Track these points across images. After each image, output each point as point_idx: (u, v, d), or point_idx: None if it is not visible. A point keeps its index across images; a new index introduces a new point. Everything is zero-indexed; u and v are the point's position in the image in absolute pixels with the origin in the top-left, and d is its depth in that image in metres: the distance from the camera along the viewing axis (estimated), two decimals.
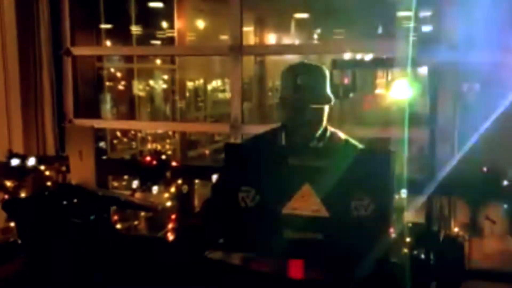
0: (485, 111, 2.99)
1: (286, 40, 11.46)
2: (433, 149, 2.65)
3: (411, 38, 3.58)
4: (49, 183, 3.79)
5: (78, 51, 4.29)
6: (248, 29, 10.08)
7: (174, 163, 3.67)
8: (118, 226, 3.79)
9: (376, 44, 4.14)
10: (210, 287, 1.64)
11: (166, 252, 1.77)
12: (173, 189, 3.63)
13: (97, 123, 4.61)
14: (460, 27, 3.15)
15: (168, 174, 3.61)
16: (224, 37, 6.21)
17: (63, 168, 3.77)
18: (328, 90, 2.17)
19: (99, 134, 6.41)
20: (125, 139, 7.97)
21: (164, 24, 8.83)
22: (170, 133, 8.77)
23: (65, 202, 1.94)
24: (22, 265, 2.06)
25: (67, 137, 2.23)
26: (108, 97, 7.84)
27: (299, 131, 2.16)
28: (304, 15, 11.55)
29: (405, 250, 2.97)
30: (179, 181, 3.64)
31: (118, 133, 7.70)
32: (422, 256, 2.44)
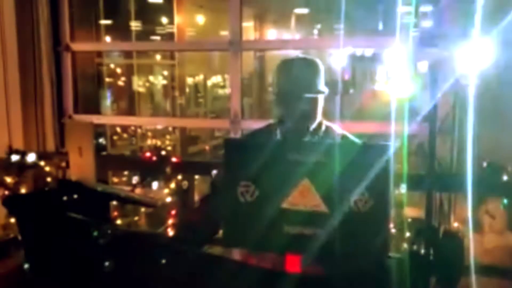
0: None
1: (286, 36, 11.45)
2: (433, 144, 2.64)
3: (411, 34, 3.57)
4: (49, 179, 3.80)
5: (77, 46, 4.28)
6: (248, 24, 10.07)
7: (174, 159, 3.67)
8: (118, 221, 3.80)
9: (377, 39, 4.13)
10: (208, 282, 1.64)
11: (165, 248, 1.78)
12: (173, 185, 3.63)
13: (97, 119, 4.61)
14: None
15: (168, 169, 3.61)
16: (224, 32, 6.20)
17: (63, 164, 3.77)
18: (322, 83, 2.18)
19: (99, 130, 6.42)
20: (125, 135, 7.98)
21: (164, 20, 8.83)
22: (170, 129, 8.77)
23: (65, 198, 1.94)
24: (22, 261, 2.06)
25: (67, 133, 2.23)
26: (108, 93, 7.85)
27: (293, 124, 2.16)
28: (304, 10, 11.53)
29: (405, 246, 2.98)
30: (179, 177, 3.64)
31: (118, 129, 7.71)
32: (422, 251, 2.44)
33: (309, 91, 2.12)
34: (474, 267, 3.10)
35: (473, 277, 3.18)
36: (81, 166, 1.93)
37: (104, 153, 5.46)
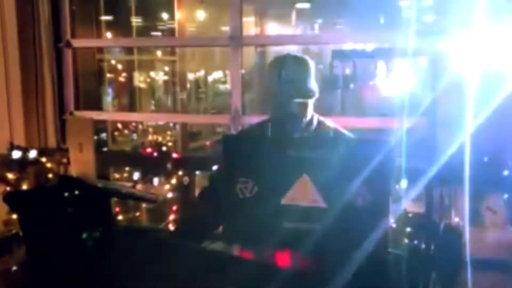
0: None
1: (287, 31, 11.42)
2: (433, 139, 2.65)
3: (412, 28, 3.56)
4: (50, 176, 3.81)
5: (78, 43, 4.28)
6: (249, 19, 10.05)
7: (175, 155, 3.68)
8: (120, 217, 3.81)
9: (378, 34, 4.12)
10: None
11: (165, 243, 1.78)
12: (174, 181, 3.64)
13: (98, 115, 4.61)
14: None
15: (169, 165, 3.61)
16: (225, 28, 6.19)
17: (64, 160, 3.78)
18: (313, 83, 2.17)
19: (100, 126, 6.42)
20: (126, 131, 7.98)
21: (165, 16, 8.81)
22: (171, 124, 8.77)
23: (66, 194, 1.95)
24: (24, 257, 2.07)
25: (67, 129, 2.23)
26: (109, 89, 7.84)
27: (283, 124, 2.17)
28: (306, 5, 11.50)
29: (405, 240, 2.99)
30: (180, 173, 3.65)
31: (119, 125, 7.71)
32: (422, 246, 2.45)
33: (299, 95, 2.12)
34: (474, 262, 3.11)
35: (473, 272, 3.19)
36: (81, 162, 1.93)
37: (105, 149, 5.46)
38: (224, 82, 11.46)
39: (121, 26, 7.68)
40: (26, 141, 4.06)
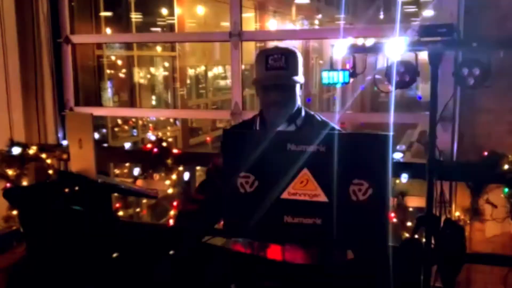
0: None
1: (287, 26, 11.41)
2: (434, 133, 2.64)
3: (412, 23, 3.56)
4: (50, 172, 3.81)
5: (77, 39, 4.27)
6: (249, 15, 10.04)
7: (175, 150, 3.67)
8: (120, 213, 3.81)
9: (377, 29, 4.11)
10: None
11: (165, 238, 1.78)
12: (174, 176, 3.63)
13: (98, 111, 4.61)
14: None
15: (169, 161, 3.61)
16: (225, 23, 6.18)
17: (64, 156, 3.78)
18: (299, 73, 2.18)
19: (101, 122, 6.42)
20: (126, 127, 7.98)
21: (164, 11, 8.80)
22: (172, 120, 8.77)
23: (66, 190, 1.95)
24: (24, 253, 2.07)
25: (67, 124, 2.23)
26: (109, 84, 7.84)
27: (270, 113, 2.18)
28: (305, 0, 11.48)
29: (405, 234, 2.99)
30: (180, 168, 3.64)
31: (119, 121, 7.71)
32: (422, 240, 2.44)
33: (283, 81, 2.13)
34: (475, 256, 3.11)
35: (473, 266, 3.19)
36: (81, 157, 1.93)
37: (105, 145, 5.46)
38: (225, 78, 11.46)
39: (120, 22, 7.68)
40: (26, 137, 4.06)
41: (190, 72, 10.42)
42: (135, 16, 8.05)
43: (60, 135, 4.16)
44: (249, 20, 10.01)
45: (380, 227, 1.43)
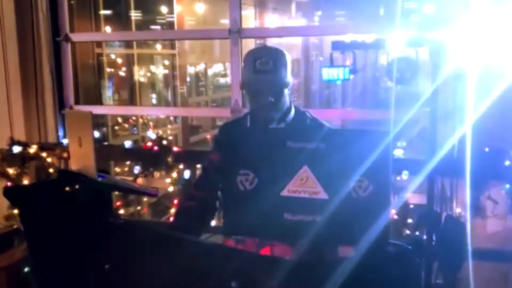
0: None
1: (287, 23, 11.38)
2: (434, 130, 2.64)
3: (412, 19, 3.55)
4: (51, 170, 3.81)
5: (77, 37, 4.27)
6: (248, 12, 10.02)
7: (175, 148, 3.67)
8: (121, 211, 3.81)
9: (377, 25, 4.10)
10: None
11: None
12: (174, 174, 3.63)
13: (98, 109, 4.61)
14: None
15: (169, 159, 3.61)
16: (224, 21, 6.17)
17: (65, 155, 3.78)
18: (288, 74, 2.18)
19: (101, 121, 6.42)
20: (126, 125, 7.97)
21: (164, 9, 8.78)
22: (172, 118, 8.76)
23: (67, 189, 1.94)
24: (25, 252, 2.07)
25: (67, 123, 2.22)
26: (109, 83, 7.83)
27: (259, 114, 2.18)
28: None
29: (407, 231, 2.99)
30: (181, 166, 3.64)
31: (120, 119, 7.70)
32: (424, 237, 2.45)
33: (274, 84, 2.13)
34: (476, 252, 3.11)
35: (474, 262, 3.19)
36: (81, 156, 1.92)
37: (105, 143, 5.46)
38: (224, 75, 11.43)
39: (120, 20, 7.67)
40: (26, 136, 4.06)
41: (190, 70, 10.41)
42: (135, 14, 8.04)
43: (60, 133, 4.16)
44: (249, 18, 9.99)
45: (382, 224, 1.43)
